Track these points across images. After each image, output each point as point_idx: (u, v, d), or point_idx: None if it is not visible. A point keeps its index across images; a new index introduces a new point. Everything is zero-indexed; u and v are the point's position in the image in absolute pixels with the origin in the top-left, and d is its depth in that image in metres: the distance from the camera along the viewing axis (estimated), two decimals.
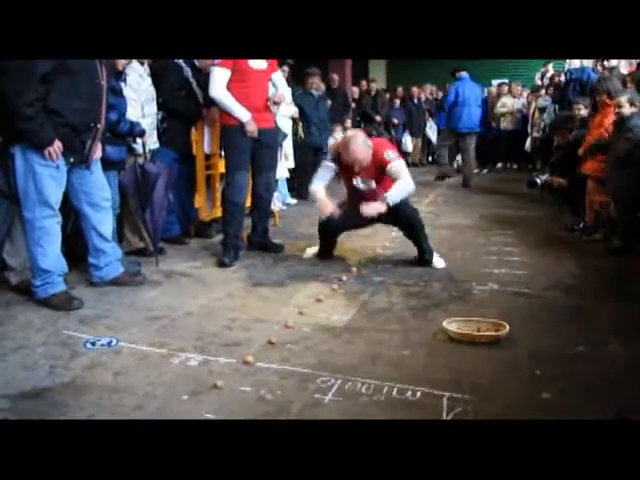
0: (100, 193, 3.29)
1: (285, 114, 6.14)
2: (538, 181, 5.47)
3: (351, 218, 3.88)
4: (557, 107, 8.63)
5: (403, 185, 3.71)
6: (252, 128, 3.91)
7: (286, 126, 6.27)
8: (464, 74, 8.06)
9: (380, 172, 3.77)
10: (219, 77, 3.85)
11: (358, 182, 3.86)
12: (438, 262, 3.95)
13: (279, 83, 4.21)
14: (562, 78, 8.65)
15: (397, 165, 3.75)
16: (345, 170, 3.86)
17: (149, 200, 3.79)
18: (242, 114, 3.90)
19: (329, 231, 4.06)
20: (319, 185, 3.90)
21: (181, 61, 4.46)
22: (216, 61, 3.88)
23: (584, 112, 5.61)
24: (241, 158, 4.02)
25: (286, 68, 6.84)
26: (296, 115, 6.60)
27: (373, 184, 3.84)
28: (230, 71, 3.84)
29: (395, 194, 3.66)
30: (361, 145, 3.65)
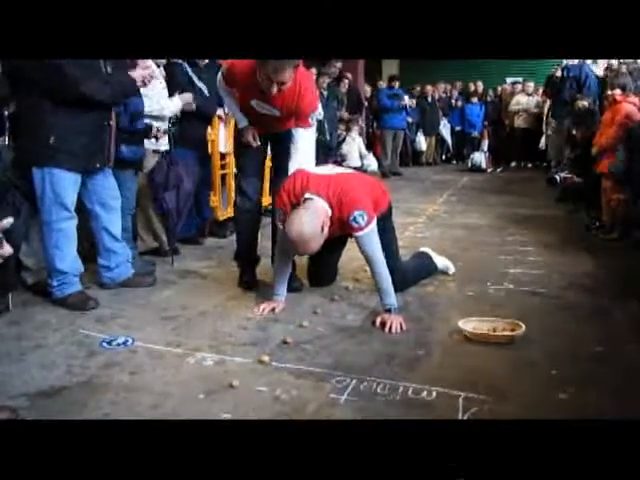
0: (110, 192, 3.31)
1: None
2: (557, 178, 5.45)
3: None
4: (550, 103, 8.67)
5: (386, 281, 2.89)
6: (247, 138, 3.28)
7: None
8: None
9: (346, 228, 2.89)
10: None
11: None
12: None
13: None
14: (558, 73, 8.25)
15: (364, 238, 2.83)
16: None
17: (177, 196, 3.84)
18: (238, 119, 3.37)
19: (323, 278, 3.49)
20: (282, 267, 3.14)
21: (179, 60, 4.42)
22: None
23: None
24: (247, 163, 3.51)
25: (314, 70, 6.04)
26: (320, 117, 6.52)
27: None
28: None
29: (390, 294, 2.89)
30: (303, 234, 2.68)
